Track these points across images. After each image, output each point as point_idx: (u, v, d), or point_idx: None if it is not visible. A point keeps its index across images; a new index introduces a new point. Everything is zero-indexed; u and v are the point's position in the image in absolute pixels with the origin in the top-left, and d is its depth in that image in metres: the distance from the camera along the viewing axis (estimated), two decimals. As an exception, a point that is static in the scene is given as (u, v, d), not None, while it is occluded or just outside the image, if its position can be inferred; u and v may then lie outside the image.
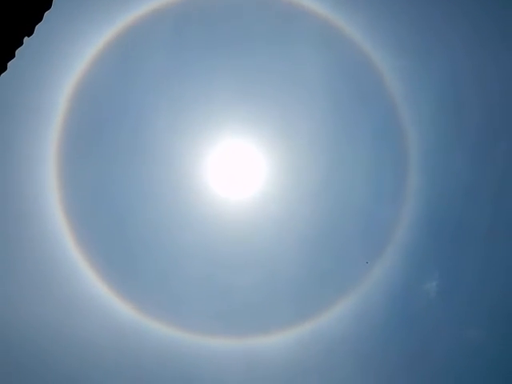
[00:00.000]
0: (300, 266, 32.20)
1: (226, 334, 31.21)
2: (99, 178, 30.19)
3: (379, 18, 29.08)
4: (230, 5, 29.17)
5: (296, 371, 30.97)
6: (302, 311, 31.59)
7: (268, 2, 29.08)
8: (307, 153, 32.06)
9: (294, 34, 30.22)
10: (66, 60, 26.85)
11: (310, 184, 32.17)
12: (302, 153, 32.06)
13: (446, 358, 31.41)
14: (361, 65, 29.95)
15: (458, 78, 29.45)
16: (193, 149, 31.39)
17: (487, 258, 31.17)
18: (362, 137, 31.72)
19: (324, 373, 31.15)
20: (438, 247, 31.91)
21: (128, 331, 29.58)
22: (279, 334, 31.27)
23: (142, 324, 29.80)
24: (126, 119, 30.41)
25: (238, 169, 32.23)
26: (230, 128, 31.69)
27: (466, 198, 30.89)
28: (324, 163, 32.16)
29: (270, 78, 31.15)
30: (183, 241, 31.72)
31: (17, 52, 8.24)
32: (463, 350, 31.44)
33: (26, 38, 8.34)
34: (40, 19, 8.35)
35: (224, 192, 32.36)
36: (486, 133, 29.72)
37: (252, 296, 32.15)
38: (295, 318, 31.38)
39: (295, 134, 31.85)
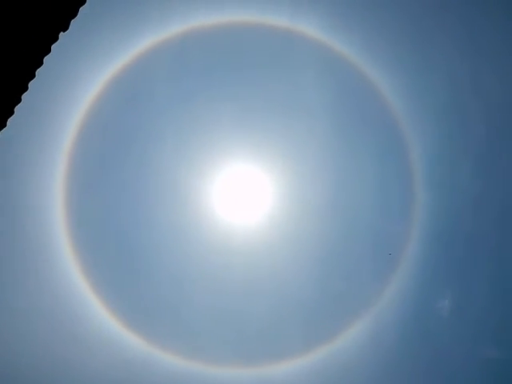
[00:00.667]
0: (311, 289, 31.82)
1: (237, 362, 30.54)
2: (106, 208, 30.05)
3: (375, 37, 29.56)
4: (228, 34, 29.61)
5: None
6: (314, 335, 31.05)
7: (265, 29, 29.53)
8: (312, 174, 32.09)
9: (293, 59, 30.67)
10: (71, 93, 27.12)
11: (316, 206, 32.08)
12: (307, 175, 32.09)
13: (461, 377, 30.79)
14: (360, 84, 30.31)
15: (458, 90, 29.79)
16: (198, 176, 31.38)
17: (499, 272, 30.92)
18: (366, 155, 31.84)
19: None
20: (449, 264, 31.66)
21: (137, 363, 28.91)
22: (293, 361, 30.63)
23: (151, 355, 29.15)
24: (132, 149, 30.50)
25: (244, 194, 32.16)
26: (234, 154, 31.79)
27: (474, 211, 30.84)
28: (330, 184, 32.17)
29: (272, 103, 31.46)
30: (191, 269, 31.38)
31: (52, 47, 8.15)
32: (478, 368, 30.85)
33: (61, 33, 8.22)
34: (75, 14, 8.20)
35: (231, 218, 32.20)
36: (490, 143, 29.88)
37: (263, 322, 31.62)
38: (308, 342, 30.81)
39: (299, 157, 31.95)
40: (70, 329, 28.07)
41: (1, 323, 26.47)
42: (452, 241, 31.28)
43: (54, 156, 27.03)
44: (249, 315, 31.49)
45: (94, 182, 29.57)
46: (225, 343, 31.09)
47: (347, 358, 30.68)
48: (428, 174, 30.54)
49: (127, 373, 28.82)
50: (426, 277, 31.25)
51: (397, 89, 29.86)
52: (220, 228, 31.74)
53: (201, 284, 31.37)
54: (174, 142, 30.87)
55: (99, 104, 27.91)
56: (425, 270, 31.07)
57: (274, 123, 31.34)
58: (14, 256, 27.18)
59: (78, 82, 27.16)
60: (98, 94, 27.48)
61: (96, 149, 28.97)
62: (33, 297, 27.55)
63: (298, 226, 32.13)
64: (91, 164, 29.10)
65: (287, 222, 32.13)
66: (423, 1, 29.18)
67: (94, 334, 28.44)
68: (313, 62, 30.24)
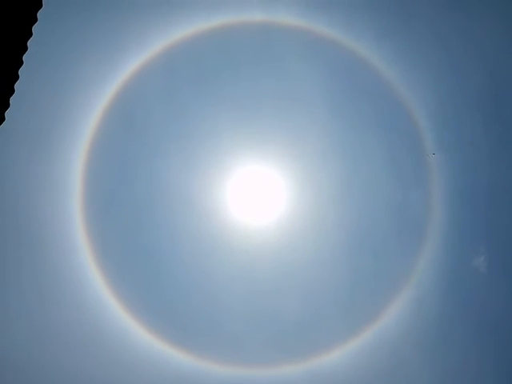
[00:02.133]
0: (343, 273, 31.49)
1: (286, 360, 30.23)
2: (125, 224, 30.42)
3: (355, 11, 29.58)
4: (210, 39, 29.97)
5: (365, 380, 29.73)
6: (357, 319, 30.64)
7: (244, 27, 29.81)
8: (322, 161, 32.02)
9: (278, 51, 30.82)
10: (74, 123, 27.82)
11: (332, 190, 31.94)
12: (316, 162, 32.03)
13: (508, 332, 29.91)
14: (350, 61, 30.26)
15: (449, 45, 29.56)
16: (210, 184, 31.55)
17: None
18: (371, 131, 31.71)
19: (394, 373, 29.84)
20: (477, 220, 31.11)
21: (185, 378, 28.83)
22: (340, 348, 30.19)
23: (197, 368, 29.05)
24: (141, 170, 30.92)
25: (259, 193, 32.18)
26: (240, 156, 31.92)
27: (490, 165, 30.33)
28: (341, 166, 32.05)
29: (267, 98, 31.60)
30: (219, 275, 31.36)
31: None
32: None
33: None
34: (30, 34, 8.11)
35: (250, 219, 32.19)
36: (492, 92, 29.48)
37: (302, 316, 31.34)
38: (352, 327, 30.40)
39: (304, 145, 31.93)
40: (114, 353, 28.25)
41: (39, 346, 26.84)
42: (474, 196, 30.78)
43: (68, 180, 27.72)
44: (285, 311, 31.25)
45: (109, 204, 30.06)
46: (268, 343, 30.87)
47: (395, 334, 30.19)
48: (436, 134, 30.25)
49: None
50: (455, 237, 30.77)
51: (388, 57, 29.78)
52: (241, 231, 31.79)
53: (233, 289, 31.34)
54: (179, 155, 31.20)
55: (101, 132, 28.50)
56: (453, 230, 30.60)
57: (273, 118, 31.47)
58: (41, 284, 27.66)
59: (77, 113, 27.85)
60: (97, 122, 28.09)
61: (107, 174, 29.53)
62: (72, 326, 27.87)
63: (318, 214, 32.00)
64: (105, 188, 29.64)
65: (306, 212, 32.03)
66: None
67: (139, 357, 28.54)
68: (298, 50, 30.33)
